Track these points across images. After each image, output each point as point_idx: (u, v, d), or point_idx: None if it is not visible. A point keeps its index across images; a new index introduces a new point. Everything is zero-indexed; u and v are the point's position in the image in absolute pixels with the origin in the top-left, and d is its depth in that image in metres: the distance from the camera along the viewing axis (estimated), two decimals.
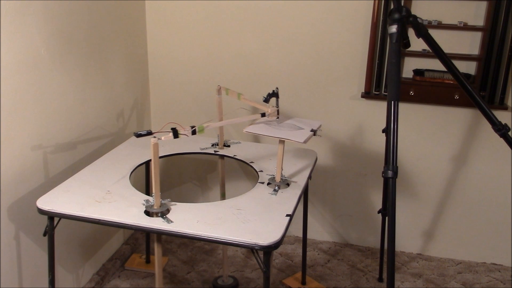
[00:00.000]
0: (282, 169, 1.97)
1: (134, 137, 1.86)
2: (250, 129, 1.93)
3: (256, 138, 2.82)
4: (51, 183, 2.12)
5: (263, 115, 1.98)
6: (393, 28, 1.73)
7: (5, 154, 1.88)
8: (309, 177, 2.08)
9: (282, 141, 1.90)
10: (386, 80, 2.59)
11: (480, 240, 2.82)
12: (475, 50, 2.51)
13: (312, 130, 1.96)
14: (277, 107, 2.01)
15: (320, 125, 2.03)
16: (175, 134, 1.69)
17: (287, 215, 1.74)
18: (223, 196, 2.51)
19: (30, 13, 1.92)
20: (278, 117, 2.02)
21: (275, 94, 2.00)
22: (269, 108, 1.99)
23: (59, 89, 2.15)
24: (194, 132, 1.72)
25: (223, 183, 2.48)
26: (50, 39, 2.05)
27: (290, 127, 1.98)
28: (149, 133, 1.69)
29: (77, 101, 2.29)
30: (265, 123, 2.00)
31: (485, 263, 2.85)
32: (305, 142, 1.85)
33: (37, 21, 1.96)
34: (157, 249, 1.99)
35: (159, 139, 1.65)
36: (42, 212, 1.76)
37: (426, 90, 2.55)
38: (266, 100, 1.98)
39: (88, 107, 2.37)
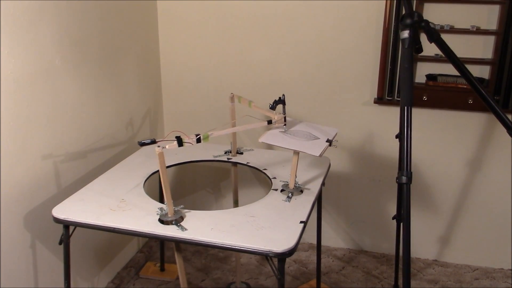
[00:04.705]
0: (296, 177, 1.97)
1: (147, 146, 1.86)
2: (265, 139, 1.91)
3: (269, 145, 2.81)
4: (65, 191, 2.14)
5: (269, 122, 1.97)
6: (405, 34, 1.73)
7: (20, 163, 1.90)
8: (323, 184, 2.08)
9: (297, 152, 1.88)
10: (398, 86, 2.58)
11: (497, 245, 2.78)
12: (488, 54, 2.49)
13: (328, 141, 1.93)
14: (284, 114, 2.00)
15: (336, 134, 2.01)
16: (180, 142, 1.68)
17: (301, 222, 1.73)
18: (236, 203, 2.51)
19: (44, 23, 1.95)
20: (285, 124, 2.01)
21: (281, 101, 1.98)
22: (275, 115, 1.99)
23: (73, 99, 2.17)
24: (199, 140, 1.72)
25: (236, 190, 2.48)
26: (64, 49, 2.08)
27: (306, 136, 1.95)
28: (153, 142, 1.68)
29: (91, 110, 2.31)
30: (279, 131, 1.98)
31: (502, 269, 2.81)
32: (320, 155, 1.83)
33: (51, 31, 1.99)
34: (178, 258, 1.99)
35: (163, 147, 1.65)
36: (57, 220, 1.77)
37: (439, 95, 2.53)
38: (273, 107, 1.96)
39: (101, 116, 2.40)
